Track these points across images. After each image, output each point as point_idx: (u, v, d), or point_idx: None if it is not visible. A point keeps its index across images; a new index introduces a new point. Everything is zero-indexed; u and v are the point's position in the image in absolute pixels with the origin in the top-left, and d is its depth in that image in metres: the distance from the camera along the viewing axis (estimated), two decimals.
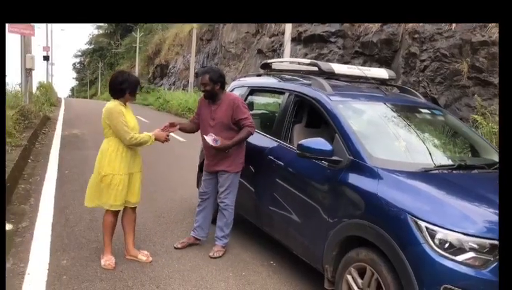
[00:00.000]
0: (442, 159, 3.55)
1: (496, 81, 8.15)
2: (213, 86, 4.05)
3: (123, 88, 3.73)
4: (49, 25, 37.80)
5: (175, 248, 4.24)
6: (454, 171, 3.22)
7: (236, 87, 5.28)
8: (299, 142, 3.36)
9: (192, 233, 4.37)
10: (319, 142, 3.27)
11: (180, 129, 4.21)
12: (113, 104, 3.71)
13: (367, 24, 11.91)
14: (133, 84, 3.77)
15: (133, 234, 4.02)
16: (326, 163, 3.31)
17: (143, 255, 3.95)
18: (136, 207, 4.00)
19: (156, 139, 3.86)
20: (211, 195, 4.30)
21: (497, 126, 7.33)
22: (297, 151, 3.39)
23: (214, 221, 4.39)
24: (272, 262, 4.10)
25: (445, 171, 3.21)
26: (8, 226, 4.49)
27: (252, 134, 4.09)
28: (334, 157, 3.23)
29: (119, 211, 3.88)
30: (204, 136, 4.03)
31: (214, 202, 4.34)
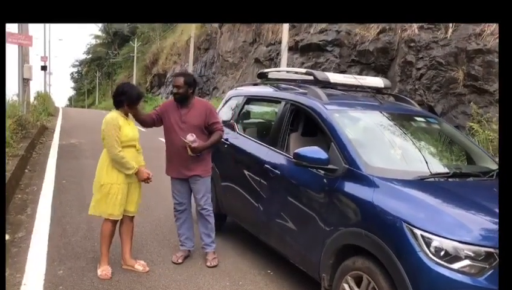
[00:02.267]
0: (437, 167, 3.56)
1: (492, 89, 8.21)
2: (187, 89, 4.05)
3: (121, 100, 3.77)
4: (47, 35, 37.91)
5: (175, 263, 4.15)
6: (449, 179, 3.23)
7: (233, 96, 5.31)
8: (295, 151, 3.37)
9: (183, 247, 4.29)
10: (315, 151, 3.28)
11: (135, 116, 4.03)
12: (112, 116, 3.74)
13: (363, 33, 11.99)
14: (132, 97, 3.78)
15: (130, 244, 4.01)
16: (322, 171, 3.32)
17: (140, 265, 3.94)
18: (133, 216, 4.00)
19: (137, 174, 3.80)
20: (187, 204, 4.27)
21: (493, 134, 7.37)
22: (294, 160, 3.41)
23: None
24: (269, 271, 4.10)
25: (441, 179, 3.22)
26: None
27: (222, 137, 4.22)
28: (330, 166, 3.23)
29: (118, 220, 3.88)
30: (185, 136, 3.95)
31: (190, 209, 4.33)
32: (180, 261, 4.18)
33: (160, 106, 4.31)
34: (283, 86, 4.67)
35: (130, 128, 3.81)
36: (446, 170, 3.46)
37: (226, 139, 4.64)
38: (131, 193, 3.85)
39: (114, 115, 3.75)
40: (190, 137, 3.93)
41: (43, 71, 34.14)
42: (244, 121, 5.14)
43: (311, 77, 4.31)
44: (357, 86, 4.49)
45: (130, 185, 3.83)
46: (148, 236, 4.85)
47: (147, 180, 3.86)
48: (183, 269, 4.04)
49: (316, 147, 3.32)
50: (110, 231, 3.84)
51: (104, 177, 3.73)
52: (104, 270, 3.77)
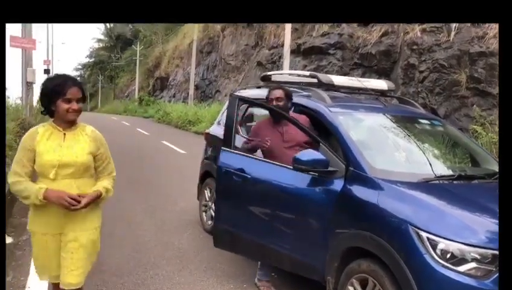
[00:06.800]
0: (442, 169, 3.55)
1: (495, 91, 8.20)
2: (286, 102, 3.71)
3: (45, 105, 2.47)
4: (50, 38, 38.05)
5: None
6: (454, 182, 3.22)
7: None
8: (295, 156, 3.32)
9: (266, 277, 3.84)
10: (312, 154, 3.23)
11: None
12: (31, 130, 2.52)
13: (365, 36, 12.01)
14: (42, 100, 2.46)
15: None
16: (326, 175, 3.29)
17: None
18: None
19: (48, 199, 2.32)
20: None
21: (497, 136, 7.36)
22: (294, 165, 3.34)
23: None
24: (273, 274, 4.08)
25: (446, 182, 3.21)
26: (9, 240, 4.48)
27: None
28: (330, 168, 3.20)
29: (56, 285, 2.58)
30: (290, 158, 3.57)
31: None
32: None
33: (251, 134, 3.81)
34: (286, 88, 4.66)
35: (52, 149, 2.41)
36: (451, 172, 3.45)
37: None
38: (66, 250, 2.44)
39: (35, 129, 2.49)
40: None
41: (46, 75, 34.30)
42: (248, 124, 5.13)
43: (314, 80, 4.31)
44: (360, 89, 4.49)
45: (62, 236, 2.45)
46: (151, 238, 4.84)
47: (68, 204, 2.32)
48: (187, 271, 4.03)
49: (312, 150, 3.29)
50: None
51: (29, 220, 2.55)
52: None
